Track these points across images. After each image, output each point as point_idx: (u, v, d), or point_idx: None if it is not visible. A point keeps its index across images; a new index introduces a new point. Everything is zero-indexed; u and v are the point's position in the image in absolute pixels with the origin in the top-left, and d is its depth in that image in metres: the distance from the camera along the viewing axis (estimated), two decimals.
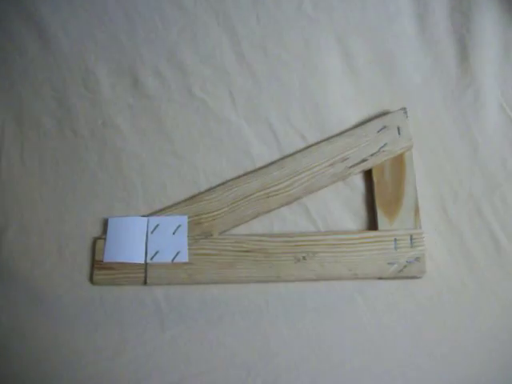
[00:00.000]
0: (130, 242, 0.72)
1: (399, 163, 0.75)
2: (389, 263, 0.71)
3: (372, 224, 0.74)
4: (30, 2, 0.80)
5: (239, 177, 0.75)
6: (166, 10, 0.80)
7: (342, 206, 0.75)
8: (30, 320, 0.70)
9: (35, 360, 0.69)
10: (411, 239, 0.71)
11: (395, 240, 0.71)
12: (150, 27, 0.80)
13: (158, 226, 0.73)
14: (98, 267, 0.71)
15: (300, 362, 0.69)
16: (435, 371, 0.69)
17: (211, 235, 0.72)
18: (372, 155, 0.75)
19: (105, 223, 0.73)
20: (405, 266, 0.70)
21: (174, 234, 0.72)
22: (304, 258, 0.71)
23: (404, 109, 0.76)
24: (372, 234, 0.72)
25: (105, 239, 0.72)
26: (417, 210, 0.72)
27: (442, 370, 0.69)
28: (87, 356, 0.69)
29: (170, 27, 0.80)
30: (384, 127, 0.76)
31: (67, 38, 0.79)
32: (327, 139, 0.76)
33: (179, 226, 0.72)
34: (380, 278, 0.71)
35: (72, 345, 0.70)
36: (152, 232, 0.72)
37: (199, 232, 0.72)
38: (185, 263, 0.71)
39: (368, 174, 0.76)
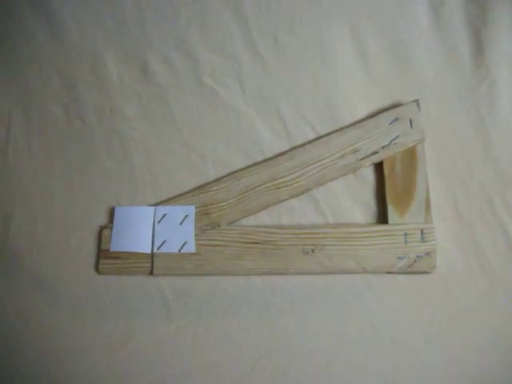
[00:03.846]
0: (137, 232, 0.71)
1: (411, 156, 0.73)
2: (398, 258, 0.70)
3: (382, 217, 0.73)
4: None
5: (248, 167, 0.74)
6: None
7: (351, 199, 0.74)
8: (34, 307, 0.70)
9: (39, 348, 0.69)
10: (422, 234, 0.70)
11: (405, 234, 0.70)
12: (159, 14, 0.78)
13: (165, 215, 0.72)
14: (104, 256, 0.71)
15: (306, 357, 0.69)
16: (444, 368, 0.68)
17: (219, 226, 0.71)
18: (383, 147, 0.73)
19: (111, 212, 0.73)
20: (415, 261, 0.69)
21: (181, 224, 0.71)
22: (312, 250, 0.70)
23: (417, 101, 0.75)
24: (382, 227, 0.71)
25: (111, 228, 0.72)
26: (428, 204, 0.71)
27: (451, 366, 0.68)
28: (92, 345, 0.69)
29: (180, 14, 0.78)
30: (396, 119, 0.74)
31: (76, 25, 0.78)
32: (338, 130, 0.75)
33: (186, 216, 0.72)
34: (389, 273, 0.70)
35: (77, 333, 0.70)
36: (159, 222, 0.72)
37: (207, 222, 0.72)
38: (192, 254, 0.70)
39: (379, 167, 0.74)
